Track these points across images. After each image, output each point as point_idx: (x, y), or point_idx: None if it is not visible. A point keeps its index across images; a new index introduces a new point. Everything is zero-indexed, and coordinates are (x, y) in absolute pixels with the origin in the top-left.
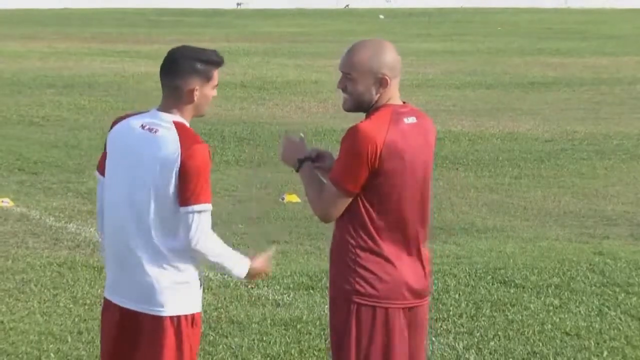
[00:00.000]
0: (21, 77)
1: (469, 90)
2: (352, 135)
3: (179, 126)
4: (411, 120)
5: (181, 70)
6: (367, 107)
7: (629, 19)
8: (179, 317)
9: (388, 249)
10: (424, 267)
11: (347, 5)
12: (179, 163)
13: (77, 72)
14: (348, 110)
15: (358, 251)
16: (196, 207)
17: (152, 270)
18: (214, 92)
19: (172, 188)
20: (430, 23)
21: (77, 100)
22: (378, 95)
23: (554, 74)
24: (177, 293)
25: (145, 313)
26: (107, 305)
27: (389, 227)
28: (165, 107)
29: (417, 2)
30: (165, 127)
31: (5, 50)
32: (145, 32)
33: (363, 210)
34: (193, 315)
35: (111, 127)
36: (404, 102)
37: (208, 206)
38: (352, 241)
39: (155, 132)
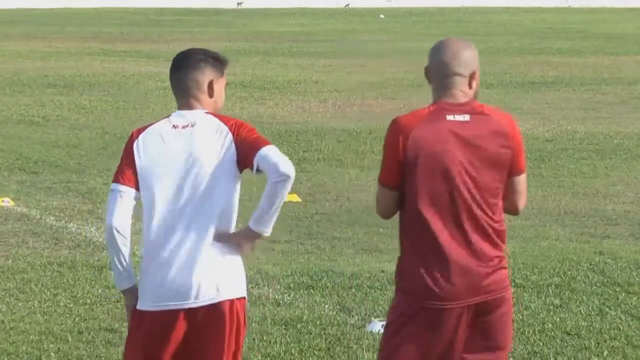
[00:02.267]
0: (22, 77)
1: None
2: (388, 128)
3: (211, 114)
4: (460, 117)
5: (197, 64)
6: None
7: (630, 18)
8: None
9: (420, 247)
10: (478, 265)
11: (348, 5)
12: (233, 137)
13: (78, 72)
14: None
15: (401, 247)
16: (268, 147)
17: (222, 258)
18: (224, 94)
19: (234, 162)
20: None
21: (78, 100)
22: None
23: (554, 74)
24: (235, 275)
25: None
26: (154, 316)
27: (419, 225)
28: (187, 106)
29: (418, 1)
30: (200, 118)
31: (6, 50)
32: (145, 31)
33: (404, 206)
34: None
35: (131, 139)
36: (467, 101)
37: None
38: (399, 236)
39: (193, 125)
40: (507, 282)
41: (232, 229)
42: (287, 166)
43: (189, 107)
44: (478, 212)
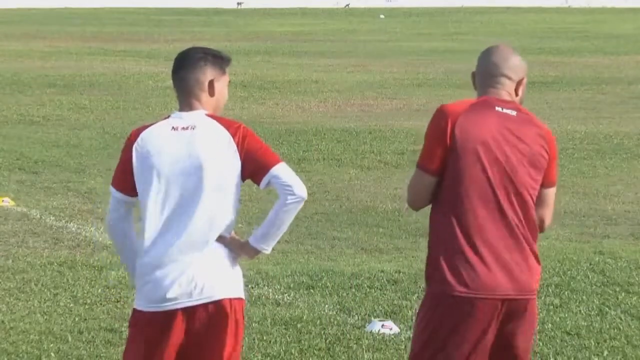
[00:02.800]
0: (22, 77)
1: (469, 90)
2: (434, 114)
3: (212, 116)
4: (508, 111)
5: (196, 62)
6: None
7: (630, 18)
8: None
9: (457, 239)
10: (518, 262)
11: (348, 5)
12: (237, 147)
13: (78, 72)
14: None
15: (434, 236)
16: (280, 166)
17: (219, 259)
18: (227, 92)
19: (236, 173)
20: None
21: (78, 100)
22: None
23: (554, 74)
24: (233, 276)
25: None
26: (153, 316)
27: (459, 217)
28: (188, 106)
29: (418, 1)
30: (200, 121)
31: (6, 50)
32: (146, 31)
33: (440, 196)
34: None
35: (130, 140)
36: (512, 100)
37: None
38: (432, 226)
39: (193, 128)
40: (537, 286)
41: (232, 231)
42: (301, 188)
43: (190, 107)
44: (518, 203)
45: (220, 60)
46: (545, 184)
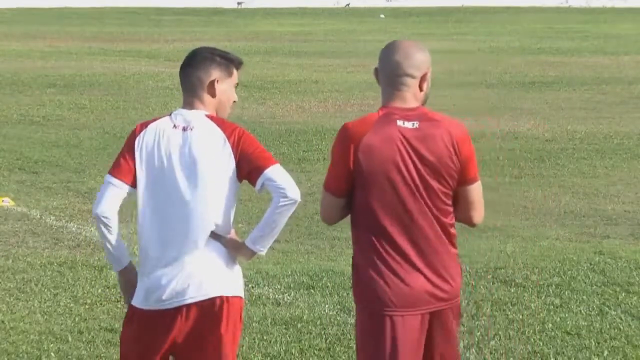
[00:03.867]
0: (22, 77)
1: (469, 90)
2: (337, 134)
3: (210, 117)
4: (409, 125)
5: (201, 61)
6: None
7: (630, 18)
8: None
9: (381, 256)
10: (436, 275)
11: (348, 5)
12: (232, 149)
13: (78, 72)
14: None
15: (359, 258)
16: (274, 168)
17: (216, 258)
18: (235, 95)
19: (231, 174)
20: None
21: (78, 100)
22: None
23: (554, 73)
24: (230, 275)
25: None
26: (152, 314)
27: (372, 234)
28: (189, 105)
29: (418, 1)
30: (198, 121)
31: (6, 50)
32: (146, 31)
33: (354, 215)
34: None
35: (133, 134)
36: (417, 106)
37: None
38: (354, 247)
39: (191, 129)
40: (459, 292)
41: (229, 231)
42: (294, 190)
43: (191, 105)
44: (430, 218)
45: (227, 61)
46: (464, 183)
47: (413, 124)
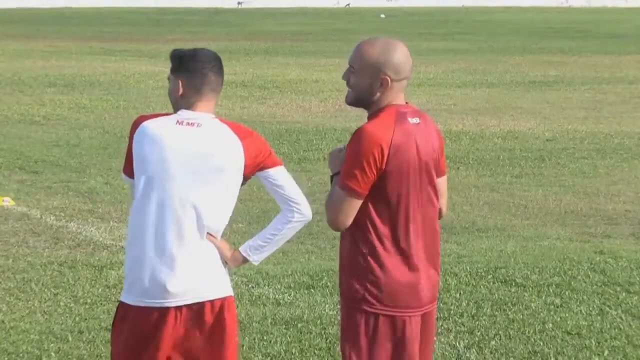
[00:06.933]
0: (22, 76)
1: (470, 89)
2: (358, 137)
3: (219, 119)
4: (415, 120)
5: (221, 68)
6: (366, 104)
7: (631, 18)
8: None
9: (395, 255)
10: (436, 271)
11: (348, 5)
12: (243, 153)
13: (78, 71)
14: (349, 103)
15: (367, 258)
16: (279, 168)
17: (207, 258)
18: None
19: (238, 175)
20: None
21: (78, 99)
22: (379, 94)
23: (555, 73)
24: (220, 275)
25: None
26: (144, 311)
27: (395, 231)
28: (204, 108)
29: (418, 1)
30: (207, 121)
31: (7, 49)
32: (146, 31)
33: (369, 215)
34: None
35: (133, 127)
36: (406, 103)
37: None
38: (360, 248)
39: (199, 125)
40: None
41: (222, 230)
42: (309, 208)
43: (205, 109)
44: (433, 211)
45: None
46: (440, 174)
47: (416, 120)
